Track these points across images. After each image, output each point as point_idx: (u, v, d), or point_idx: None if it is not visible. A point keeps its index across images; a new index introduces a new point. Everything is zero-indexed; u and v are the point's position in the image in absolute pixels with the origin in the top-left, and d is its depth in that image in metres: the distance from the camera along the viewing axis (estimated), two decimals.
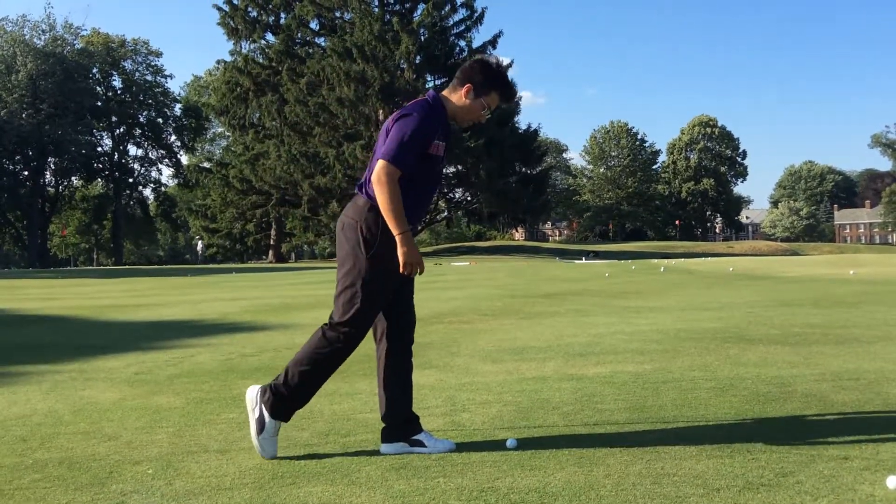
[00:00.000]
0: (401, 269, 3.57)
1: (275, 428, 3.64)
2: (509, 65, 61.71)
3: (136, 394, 5.36)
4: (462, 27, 57.97)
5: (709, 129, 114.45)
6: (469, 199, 61.20)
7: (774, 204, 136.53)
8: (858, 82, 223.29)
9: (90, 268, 64.32)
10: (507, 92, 3.80)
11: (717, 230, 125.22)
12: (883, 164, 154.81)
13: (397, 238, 3.53)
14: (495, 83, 3.75)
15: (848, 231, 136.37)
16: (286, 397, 3.64)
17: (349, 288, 3.59)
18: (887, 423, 4.06)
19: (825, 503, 2.83)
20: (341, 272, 3.64)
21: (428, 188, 3.73)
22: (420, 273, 3.64)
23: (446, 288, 16.75)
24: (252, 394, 3.73)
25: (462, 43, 57.80)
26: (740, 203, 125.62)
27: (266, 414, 3.63)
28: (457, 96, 3.74)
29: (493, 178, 54.04)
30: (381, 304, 3.67)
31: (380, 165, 3.50)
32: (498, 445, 3.71)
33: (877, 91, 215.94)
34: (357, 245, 3.57)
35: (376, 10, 56.30)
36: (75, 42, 76.20)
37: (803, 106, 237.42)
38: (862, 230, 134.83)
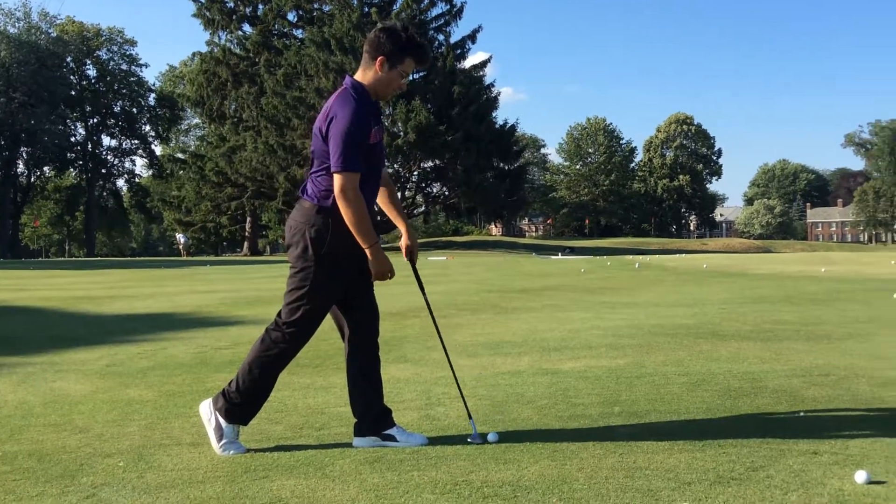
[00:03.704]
0: (373, 280, 3.67)
1: (233, 433, 3.63)
2: (487, 61, 61.74)
3: (108, 386, 5.31)
4: (441, 21, 57.90)
5: (685, 127, 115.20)
6: (446, 193, 61.12)
7: (748, 202, 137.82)
8: (832, 82, 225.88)
9: (62, 259, 63.61)
10: (420, 54, 3.72)
11: (692, 227, 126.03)
12: (855, 163, 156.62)
13: (368, 251, 3.57)
14: (407, 49, 3.66)
15: (820, 229, 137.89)
16: (240, 403, 3.64)
17: (297, 289, 3.60)
18: (856, 418, 4.12)
19: (795, 497, 2.86)
20: (291, 273, 3.65)
21: (373, 178, 3.69)
22: (391, 278, 3.68)
23: (424, 282, 16.71)
24: (205, 406, 3.72)
25: (441, 37, 57.72)
26: (715, 200, 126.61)
27: (222, 420, 3.63)
28: (372, 73, 3.65)
29: (470, 174, 54.03)
30: (329, 304, 3.69)
31: (337, 180, 3.47)
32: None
33: (850, 91, 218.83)
34: (306, 248, 3.57)
35: (355, 1, 56.04)
36: (50, 31, 75.14)
37: (778, 105, 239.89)
38: (834, 228, 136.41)
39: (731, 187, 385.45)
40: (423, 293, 4.09)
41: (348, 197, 3.47)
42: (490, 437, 3.69)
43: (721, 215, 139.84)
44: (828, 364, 5.72)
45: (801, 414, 4.19)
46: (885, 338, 7.13)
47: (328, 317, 3.77)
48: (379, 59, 3.62)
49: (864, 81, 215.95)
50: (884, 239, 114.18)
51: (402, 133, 50.50)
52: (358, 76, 3.70)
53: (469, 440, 3.70)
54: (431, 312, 4.16)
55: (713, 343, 6.88)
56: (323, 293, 3.61)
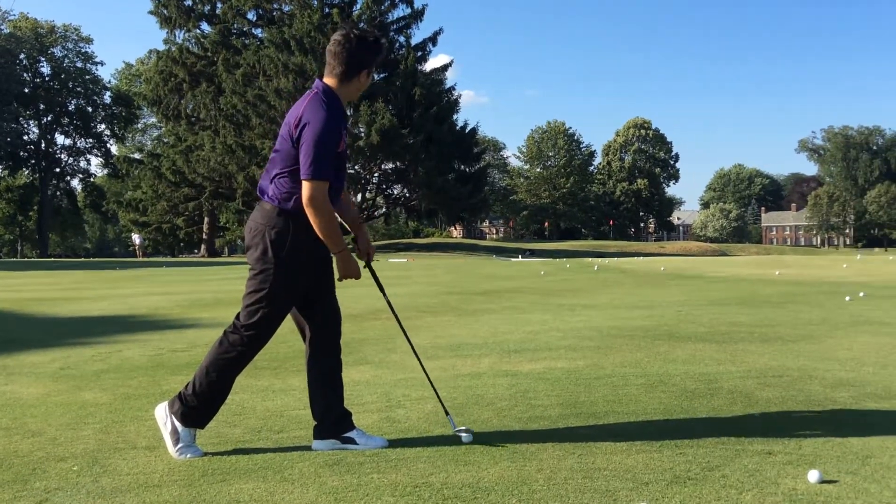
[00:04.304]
0: (339, 278, 3.72)
1: (190, 436, 3.59)
2: (448, 64, 61.92)
3: (62, 389, 5.21)
4: (402, 23, 57.85)
5: (643, 132, 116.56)
6: (408, 195, 61.07)
7: (705, 205, 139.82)
8: (786, 88, 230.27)
9: (14, 259, 62.25)
10: (382, 51, 3.82)
11: (650, 230, 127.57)
12: (809, 168, 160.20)
13: (337, 257, 3.62)
14: (379, 54, 3.75)
15: (774, 233, 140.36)
16: (197, 406, 3.61)
17: (256, 292, 3.58)
18: (809, 419, 4.20)
19: (750, 497, 2.91)
20: (250, 275, 3.63)
21: (338, 182, 3.69)
22: (357, 278, 3.74)
23: (384, 284, 16.70)
24: (161, 410, 3.68)
25: (402, 38, 57.66)
26: (672, 204, 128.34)
27: (178, 424, 3.59)
28: (355, 85, 3.68)
29: (431, 176, 54.04)
30: (288, 307, 3.68)
31: (307, 188, 3.47)
32: (432, 441, 3.72)
33: (804, 97, 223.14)
34: (266, 250, 3.56)
35: (315, 2, 55.75)
36: (2, 27, 73.55)
37: (733, 110, 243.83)
38: (788, 232, 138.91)
39: (688, 191, 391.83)
40: (384, 293, 4.08)
41: (318, 204, 3.47)
42: (464, 439, 3.69)
43: (678, 219, 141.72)
44: (781, 365, 5.82)
45: (756, 414, 4.26)
46: (837, 340, 7.28)
47: (287, 319, 3.75)
48: (364, 71, 3.67)
49: (818, 88, 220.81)
50: (836, 243, 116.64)
51: (364, 135, 50.35)
52: (328, 81, 3.68)
53: (455, 431, 3.75)
54: (395, 312, 4.15)
55: (670, 345, 6.96)
56: (282, 296, 3.59)
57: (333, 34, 3.74)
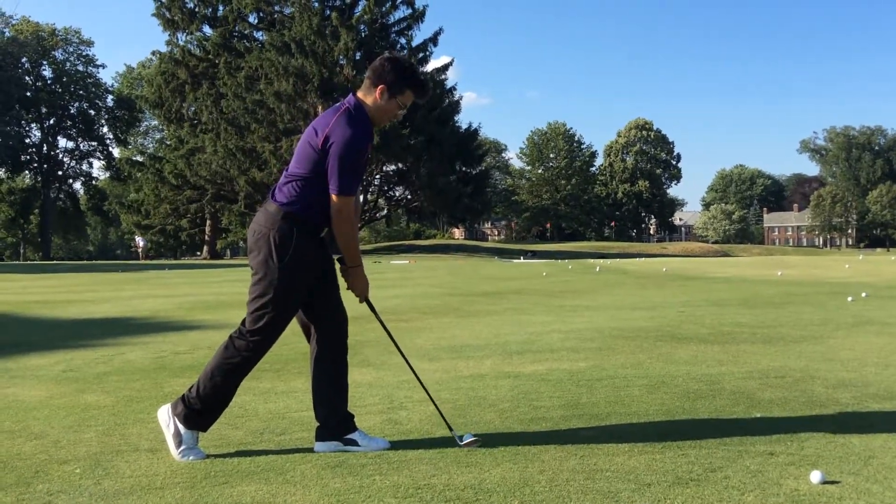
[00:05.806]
0: (359, 300, 3.82)
1: (192, 439, 3.59)
2: (449, 64, 61.98)
3: (64, 392, 5.22)
4: (403, 24, 57.92)
5: (645, 133, 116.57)
6: (409, 197, 61.16)
7: (707, 206, 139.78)
8: (788, 89, 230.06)
9: (16, 262, 62.32)
10: (421, 88, 3.75)
11: (652, 231, 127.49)
12: (811, 168, 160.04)
13: (351, 271, 3.70)
14: (408, 81, 3.68)
15: (776, 233, 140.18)
16: (200, 409, 3.60)
17: (260, 297, 3.57)
18: (811, 419, 4.19)
19: (752, 497, 2.91)
20: (253, 280, 3.62)
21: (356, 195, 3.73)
22: (364, 296, 3.80)
23: (385, 286, 16.69)
24: (164, 412, 3.67)
25: (403, 40, 57.77)
26: (674, 205, 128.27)
27: (181, 426, 3.58)
28: (372, 98, 3.66)
29: (433, 177, 54.12)
30: (293, 311, 3.67)
31: (334, 201, 3.51)
32: (434, 443, 3.72)
33: (806, 97, 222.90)
34: (269, 254, 3.55)
35: (316, 4, 55.80)
36: (5, 31, 73.77)
37: (735, 110, 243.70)
38: (790, 233, 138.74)
39: (690, 192, 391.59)
40: (373, 309, 3.98)
41: (343, 218, 3.54)
42: (465, 438, 3.67)
43: (680, 220, 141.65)
44: (783, 366, 5.82)
45: (758, 415, 4.25)
46: (839, 340, 7.28)
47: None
48: (380, 86, 3.64)
49: (819, 88, 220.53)
50: (838, 243, 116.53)
51: None
52: (360, 95, 3.70)
53: (462, 441, 3.66)
54: (380, 318, 4.03)
55: (672, 345, 6.96)
56: (287, 300, 3.59)
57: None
